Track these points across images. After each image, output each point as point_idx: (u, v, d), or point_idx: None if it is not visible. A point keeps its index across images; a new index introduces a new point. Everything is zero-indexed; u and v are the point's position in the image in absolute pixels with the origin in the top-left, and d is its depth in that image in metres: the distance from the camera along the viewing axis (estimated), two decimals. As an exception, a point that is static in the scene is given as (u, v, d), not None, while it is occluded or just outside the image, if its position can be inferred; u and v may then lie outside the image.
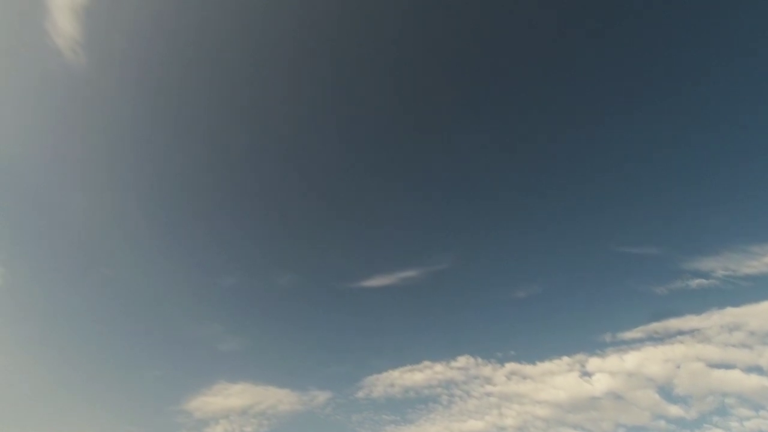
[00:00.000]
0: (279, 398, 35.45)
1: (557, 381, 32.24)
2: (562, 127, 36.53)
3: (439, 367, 34.26)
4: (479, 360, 33.92)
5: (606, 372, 31.63)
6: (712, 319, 30.95)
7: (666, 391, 30.25)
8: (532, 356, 33.11)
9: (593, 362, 32.08)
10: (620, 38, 34.11)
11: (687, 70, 33.18)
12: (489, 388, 32.89)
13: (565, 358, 32.55)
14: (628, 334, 32.33)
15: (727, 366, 29.57)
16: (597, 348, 32.35)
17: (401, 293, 36.77)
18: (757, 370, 28.45)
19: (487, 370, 33.57)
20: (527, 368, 32.97)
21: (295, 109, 37.50)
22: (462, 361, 34.15)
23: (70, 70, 32.90)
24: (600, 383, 31.45)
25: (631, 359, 31.38)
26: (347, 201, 39.50)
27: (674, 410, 29.46)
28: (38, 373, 34.33)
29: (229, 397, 35.66)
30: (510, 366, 33.18)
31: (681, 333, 31.35)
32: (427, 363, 34.67)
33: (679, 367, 30.61)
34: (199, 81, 36.14)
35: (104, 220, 38.08)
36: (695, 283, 31.76)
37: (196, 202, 39.68)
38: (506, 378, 33.02)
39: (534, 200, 37.38)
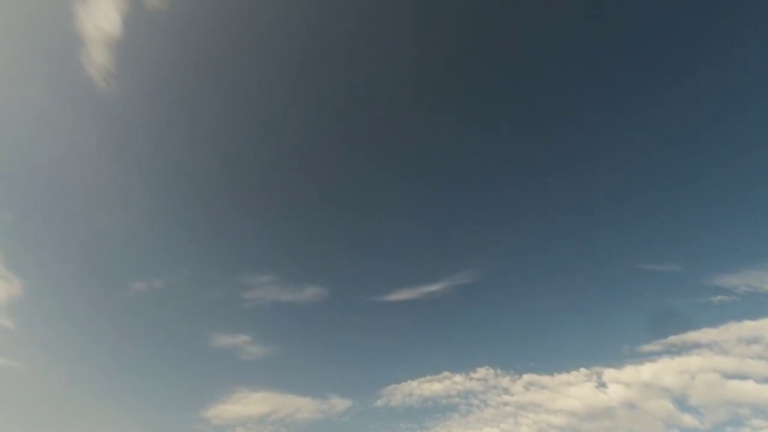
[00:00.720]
0: (298, 406, 36.58)
1: (573, 391, 33.01)
2: (588, 146, 37.26)
3: (458, 378, 35.32)
4: (498, 371, 34.88)
5: (622, 383, 32.28)
6: (730, 332, 31.33)
7: (680, 402, 30.74)
8: (550, 368, 33.97)
9: (610, 373, 32.77)
10: (653, 63, 34.66)
11: (718, 93, 33.43)
12: (506, 397, 33.80)
13: (583, 370, 33.30)
14: (646, 347, 32.94)
15: (742, 377, 29.95)
16: (614, 360, 33.05)
17: (424, 307, 37.87)
18: (772, 381, 28.88)
19: (505, 380, 34.53)
20: (545, 379, 33.82)
21: (325, 130, 38.83)
22: (481, 372, 35.16)
23: (102, 98, 34.75)
24: (615, 393, 32.10)
25: (647, 370, 31.97)
26: (375, 218, 40.80)
27: (688, 420, 29.92)
28: (62, 379, 36.18)
29: (249, 405, 36.73)
30: (528, 377, 34.08)
31: (698, 346, 31.84)
32: (446, 374, 35.73)
33: (694, 378, 31.09)
34: (222, 106, 37.73)
35: (132, 234, 39.92)
36: (717, 299, 32.32)
37: (226, 218, 41.35)
38: (524, 388, 33.95)
39: (558, 217, 38.18)
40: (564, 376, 33.47)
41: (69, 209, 39.52)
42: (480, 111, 38.64)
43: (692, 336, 32.15)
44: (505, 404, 33.65)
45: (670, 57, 34.56)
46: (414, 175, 40.07)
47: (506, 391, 34.12)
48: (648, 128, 35.43)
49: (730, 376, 30.26)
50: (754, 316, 30.95)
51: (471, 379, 34.92)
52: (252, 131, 38.68)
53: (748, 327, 30.77)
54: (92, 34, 32.20)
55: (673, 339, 32.53)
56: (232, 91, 36.95)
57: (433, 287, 37.19)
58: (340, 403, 36.16)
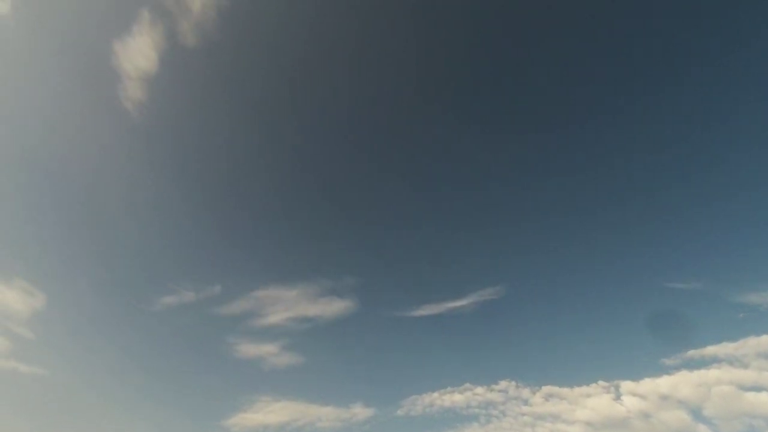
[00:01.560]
0: (319, 415, 37.56)
1: (591, 402, 33.92)
2: (612, 167, 38.15)
3: (479, 390, 36.44)
4: (519, 383, 36.00)
5: (639, 395, 33.06)
6: (749, 346, 31.64)
7: (696, 413, 31.20)
8: (570, 380, 34.85)
9: (627, 386, 33.54)
10: (673, 79, 35.24)
11: (747, 113, 33.83)
12: (525, 408, 34.84)
13: (601, 382, 34.13)
14: (665, 361, 33.73)
15: (759, 389, 30.26)
16: (633, 373, 33.74)
17: (449, 322, 38.96)
18: (790, 394, 29.35)
19: (525, 392, 35.60)
20: (564, 391, 34.76)
21: (355, 147, 40.32)
22: (503, 384, 36.28)
23: (134, 127, 37.09)
24: (632, 405, 32.84)
25: (664, 383, 32.69)
26: (405, 236, 42.05)
27: (703, 430, 30.59)
28: (84, 387, 37.97)
29: (269, 414, 37.50)
30: (548, 389, 35.06)
31: (717, 360, 32.40)
32: (468, 385, 36.83)
33: (711, 390, 31.70)
34: (249, 132, 39.74)
35: (162, 249, 42.10)
36: (740, 316, 32.90)
37: (256, 232, 43.18)
38: (543, 399, 34.99)
39: (582, 235, 39.05)
40: (583, 389, 34.45)
41: (101, 227, 41.92)
42: (509, 132, 39.88)
43: (711, 350, 32.74)
44: (524, 414, 34.78)
45: (705, 82, 35.06)
46: (445, 196, 41.45)
47: (525, 402, 35.23)
48: (673, 150, 36.20)
49: (747, 388, 30.75)
50: (774, 329, 31.41)
51: (492, 390, 36.17)
52: (280, 153, 40.61)
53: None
54: (128, 70, 34.49)
55: (692, 353, 33.24)
56: (259, 118, 38.93)
57: (459, 303, 38.42)
58: (361, 412, 37.40)
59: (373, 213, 42.06)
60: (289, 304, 40.20)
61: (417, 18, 35.65)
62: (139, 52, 33.53)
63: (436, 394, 37.18)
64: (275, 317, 40.42)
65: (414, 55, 37.38)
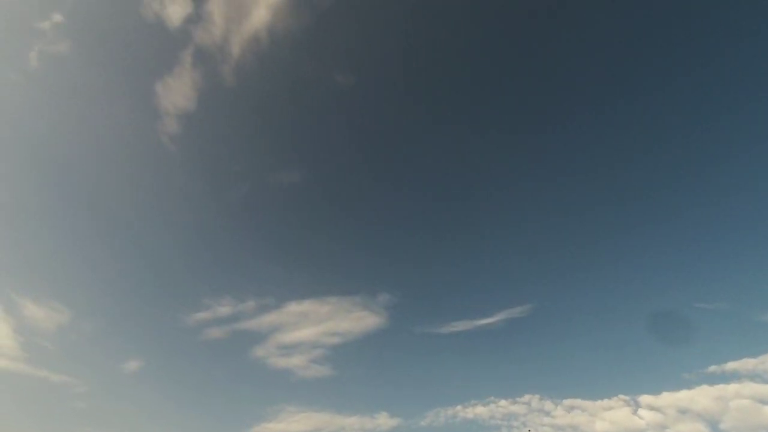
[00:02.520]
0: (343, 425, 38.73)
1: (610, 415, 35.16)
2: (639, 189, 39.45)
3: (503, 402, 37.86)
4: (542, 396, 37.52)
5: (657, 408, 34.07)
6: (770, 361, 32.46)
7: (714, 426, 31.84)
8: (592, 393, 35.93)
9: (647, 399, 34.75)
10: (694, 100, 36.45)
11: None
12: (546, 419, 36.23)
13: (622, 396, 35.40)
14: (685, 375, 34.67)
15: (777, 403, 31.48)
16: (653, 387, 34.66)
17: (478, 338, 40.44)
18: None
19: (548, 404, 37.07)
20: (586, 404, 36.02)
21: (390, 176, 41.72)
22: (526, 397, 37.38)
23: (171, 161, 39.88)
24: (650, 418, 33.66)
25: (683, 396, 33.79)
26: (441, 258, 43.75)
27: (719, 442, 31.30)
28: (106, 393, 40.11)
29: (293, 423, 38.71)
30: (569, 401, 36.48)
31: (737, 375, 33.05)
32: (492, 398, 38.16)
33: (729, 403, 32.66)
34: (276, 164, 42.06)
35: (193, 265, 44.66)
36: (763, 335, 33.61)
37: (285, 249, 45.18)
38: (565, 412, 36.47)
39: (608, 258, 40.35)
40: (604, 402, 35.68)
41: (141, 250, 44.73)
42: (545, 162, 41.46)
43: (732, 365, 33.37)
44: (544, 425, 36.27)
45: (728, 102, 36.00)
46: (480, 221, 43.02)
47: (547, 414, 36.57)
48: (700, 178, 37.52)
49: (766, 402, 31.50)
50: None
51: (515, 403, 37.73)
52: (311, 175, 42.70)
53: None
54: (168, 108, 37.26)
55: (713, 368, 33.99)
56: (288, 144, 41.29)
57: (488, 320, 39.83)
58: (386, 423, 38.73)
59: (408, 233, 44.00)
60: (320, 318, 41.82)
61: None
62: (178, 92, 36.33)
63: (459, 407, 38.79)
64: (306, 331, 42.13)
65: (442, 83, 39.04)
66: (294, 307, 42.26)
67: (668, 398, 34.28)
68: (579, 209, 40.66)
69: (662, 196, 39.27)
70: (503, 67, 38.78)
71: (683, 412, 33.42)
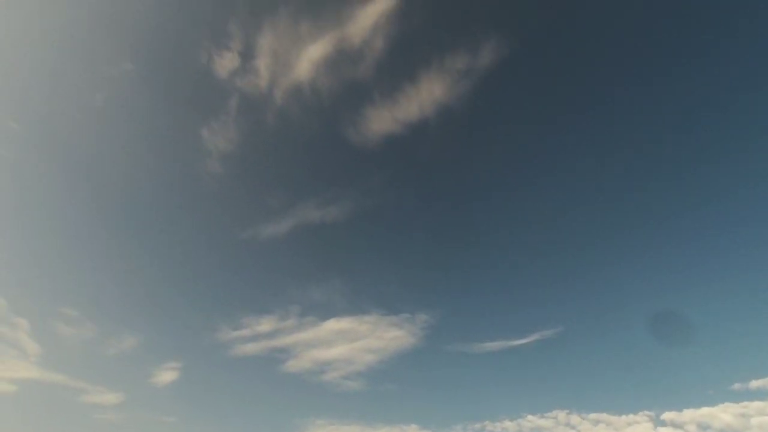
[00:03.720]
0: None
1: (633, 430, 37.03)
2: (662, 213, 40.71)
3: (531, 417, 39.78)
4: (570, 411, 39.40)
5: (680, 424, 35.36)
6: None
7: None
8: (619, 409, 37.57)
9: (670, 415, 36.15)
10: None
11: None
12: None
13: (646, 411, 37.05)
14: (710, 392, 36.08)
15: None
16: (678, 403, 36.06)
17: (510, 357, 42.46)
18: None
19: (574, 419, 39.34)
20: (611, 418, 37.84)
21: (428, 200, 44.06)
22: (555, 413, 39.21)
23: (213, 196, 43.12)
24: None
25: (705, 413, 35.34)
26: (478, 280, 45.54)
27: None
28: (143, 408, 42.19)
29: None
30: (595, 416, 38.58)
31: (761, 392, 34.03)
32: (521, 414, 40.03)
33: (750, 420, 34.06)
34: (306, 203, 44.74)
35: (234, 286, 47.64)
36: None
37: (327, 266, 47.54)
38: (591, 426, 38.68)
39: (636, 280, 41.84)
40: (630, 417, 37.59)
41: (186, 276, 48.16)
42: (575, 182, 42.75)
43: (756, 383, 34.40)
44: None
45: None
46: (516, 247, 44.68)
47: (574, 428, 38.65)
48: (722, 202, 38.59)
49: None
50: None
51: (543, 417, 40.12)
52: (350, 200, 44.73)
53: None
54: (212, 150, 40.29)
55: (737, 386, 35.14)
56: (330, 179, 43.95)
57: (522, 341, 41.54)
58: None
59: (446, 256, 45.46)
60: (356, 336, 43.74)
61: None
62: (223, 135, 39.30)
63: (487, 422, 40.47)
64: (341, 348, 44.23)
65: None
66: (332, 325, 44.18)
67: (691, 414, 35.92)
68: (603, 236, 42.23)
69: (685, 220, 40.51)
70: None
71: (705, 428, 35.07)
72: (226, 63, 37.22)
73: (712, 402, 35.44)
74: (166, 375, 41.52)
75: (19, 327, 39.73)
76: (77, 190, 43.18)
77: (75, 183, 42.95)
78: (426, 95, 38.00)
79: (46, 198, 42.25)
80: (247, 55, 37.74)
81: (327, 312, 44.61)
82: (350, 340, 44.77)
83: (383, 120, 38.61)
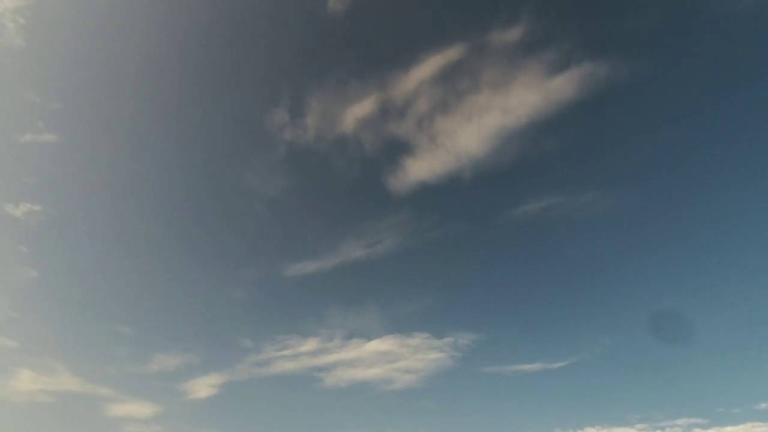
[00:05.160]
0: None
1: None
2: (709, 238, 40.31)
3: (558, 432, 42.13)
4: (602, 427, 38.97)
5: None
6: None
7: None
8: (655, 419, 37.70)
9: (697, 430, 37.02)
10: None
11: None
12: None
13: (677, 429, 38.87)
14: (735, 410, 35.68)
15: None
16: (705, 421, 35.65)
17: (543, 377, 42.50)
18: None
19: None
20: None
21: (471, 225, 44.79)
22: (588, 429, 39.33)
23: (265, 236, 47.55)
24: None
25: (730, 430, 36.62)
26: (521, 304, 45.81)
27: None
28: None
29: None
30: (621, 431, 39.75)
31: None
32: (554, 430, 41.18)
33: None
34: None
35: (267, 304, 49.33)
36: None
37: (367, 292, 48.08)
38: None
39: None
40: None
41: (229, 299, 51.11)
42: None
43: None
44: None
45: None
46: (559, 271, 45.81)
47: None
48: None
49: None
50: None
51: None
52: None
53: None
54: (260, 194, 44.67)
55: (764, 405, 34.66)
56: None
57: (557, 364, 42.09)
58: None
59: (489, 280, 46.61)
60: (397, 357, 44.09)
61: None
62: (270, 181, 43.63)
63: None
64: (381, 368, 44.39)
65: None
66: (374, 346, 45.02)
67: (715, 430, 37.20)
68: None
69: (724, 240, 40.18)
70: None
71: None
72: (276, 117, 41.43)
73: (738, 421, 35.50)
74: (205, 390, 43.48)
75: (64, 340, 43.35)
76: (133, 218, 46.84)
77: (132, 212, 46.97)
78: (462, 149, 41.13)
79: (109, 223, 46.44)
80: (296, 111, 41.82)
81: (370, 335, 46.51)
82: (390, 361, 47.31)
83: (421, 169, 41.67)
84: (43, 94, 39.96)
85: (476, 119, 39.28)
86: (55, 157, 41.39)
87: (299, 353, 45.37)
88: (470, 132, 39.32)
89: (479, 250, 47.14)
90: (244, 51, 42.00)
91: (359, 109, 40.14)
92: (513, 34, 35.79)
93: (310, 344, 45.97)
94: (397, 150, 41.45)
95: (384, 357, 45.66)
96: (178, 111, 43.17)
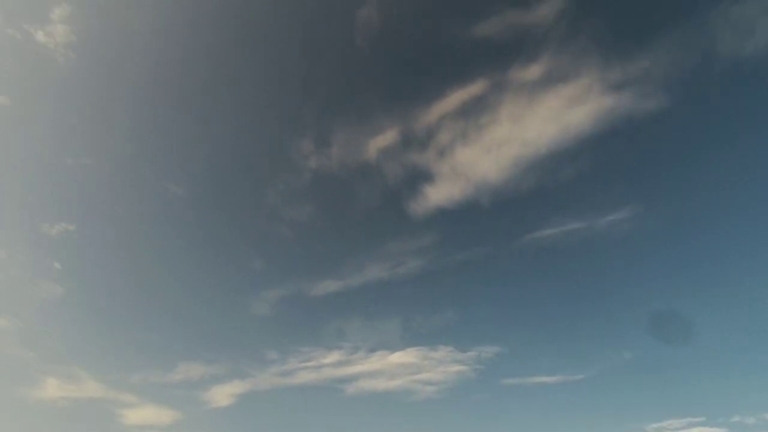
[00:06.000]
0: None
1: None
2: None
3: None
4: None
5: None
6: None
7: None
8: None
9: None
10: None
11: None
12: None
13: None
14: (749, 420, 37.60)
15: None
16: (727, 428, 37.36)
17: (563, 389, 41.80)
18: None
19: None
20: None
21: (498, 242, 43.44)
22: None
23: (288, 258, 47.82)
24: None
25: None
26: (530, 319, 45.22)
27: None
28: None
29: None
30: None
31: None
32: None
33: None
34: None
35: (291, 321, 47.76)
36: None
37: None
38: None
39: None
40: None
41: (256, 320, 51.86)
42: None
43: None
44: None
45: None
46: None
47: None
48: None
49: None
50: None
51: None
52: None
53: None
54: (286, 218, 46.74)
55: None
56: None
57: (578, 376, 41.23)
58: None
59: (508, 297, 45.69)
60: (420, 369, 44.03)
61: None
62: (295, 207, 46.44)
63: None
64: (403, 380, 43.93)
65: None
66: (398, 359, 45.35)
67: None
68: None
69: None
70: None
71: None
72: (302, 146, 43.47)
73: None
74: (226, 398, 43.79)
75: (90, 351, 43.84)
76: (165, 236, 47.48)
77: (164, 232, 47.41)
78: (481, 177, 42.34)
79: (140, 241, 46.35)
80: (321, 141, 43.73)
81: (394, 347, 45.87)
82: (413, 373, 47.35)
83: (441, 196, 42.64)
84: (86, 120, 42.59)
85: (495, 150, 41.57)
86: (92, 179, 43.95)
87: (322, 364, 45.69)
88: (490, 161, 41.32)
89: (502, 270, 47.36)
90: (275, 84, 44.82)
91: (382, 140, 42.14)
92: (533, 71, 37.63)
93: (334, 356, 46.26)
94: (418, 178, 43.39)
95: (407, 369, 46.02)
96: (212, 138, 45.77)
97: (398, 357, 46.24)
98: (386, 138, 41.73)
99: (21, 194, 42.50)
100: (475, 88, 38.97)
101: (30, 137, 41.37)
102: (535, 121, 38.84)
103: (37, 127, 41.21)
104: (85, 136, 43.12)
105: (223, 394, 43.99)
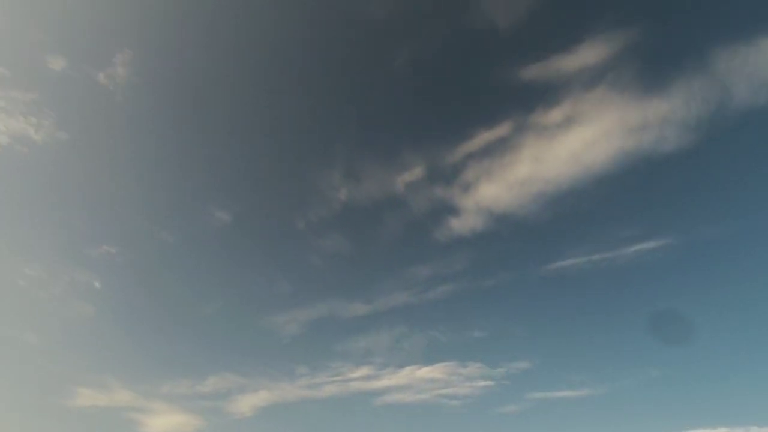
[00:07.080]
0: None
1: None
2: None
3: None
4: None
5: None
6: None
7: None
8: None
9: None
10: None
11: None
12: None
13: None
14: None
15: None
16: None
17: (584, 404, 45.39)
18: None
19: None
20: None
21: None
22: None
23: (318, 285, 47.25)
24: None
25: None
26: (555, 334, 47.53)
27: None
28: None
29: None
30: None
31: None
32: None
33: None
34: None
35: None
36: None
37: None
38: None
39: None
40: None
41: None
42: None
43: None
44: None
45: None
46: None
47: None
48: None
49: None
50: None
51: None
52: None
53: None
54: (316, 248, 49.65)
55: None
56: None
57: (599, 391, 45.08)
58: None
59: (534, 314, 46.87)
60: (447, 384, 42.82)
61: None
62: (322, 229, 49.44)
63: None
64: (429, 394, 44.95)
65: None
66: (425, 373, 44.26)
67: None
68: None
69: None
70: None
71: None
72: (332, 179, 45.24)
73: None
74: (250, 408, 43.68)
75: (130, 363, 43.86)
76: (202, 261, 49.99)
77: (202, 257, 49.46)
78: (503, 211, 46.00)
79: (176, 265, 48.59)
80: (350, 174, 45.35)
81: (422, 363, 47.41)
82: (440, 388, 47.82)
83: (465, 228, 46.43)
84: (137, 153, 46.06)
85: (518, 187, 44.42)
86: (136, 205, 47.75)
87: (350, 378, 45.08)
88: (512, 197, 43.95)
89: (530, 294, 47.41)
90: (310, 121, 48.60)
91: (409, 175, 44.16)
92: (555, 115, 40.74)
93: (362, 371, 46.26)
94: (443, 211, 45.24)
95: (435, 383, 45.28)
96: (251, 171, 48.98)
97: (427, 372, 46.73)
98: (413, 174, 44.16)
99: (70, 218, 43.71)
100: (500, 130, 41.15)
101: (85, 168, 42.62)
102: (556, 160, 40.72)
103: (92, 160, 42.63)
104: (133, 165, 46.82)
105: (247, 405, 44.77)
